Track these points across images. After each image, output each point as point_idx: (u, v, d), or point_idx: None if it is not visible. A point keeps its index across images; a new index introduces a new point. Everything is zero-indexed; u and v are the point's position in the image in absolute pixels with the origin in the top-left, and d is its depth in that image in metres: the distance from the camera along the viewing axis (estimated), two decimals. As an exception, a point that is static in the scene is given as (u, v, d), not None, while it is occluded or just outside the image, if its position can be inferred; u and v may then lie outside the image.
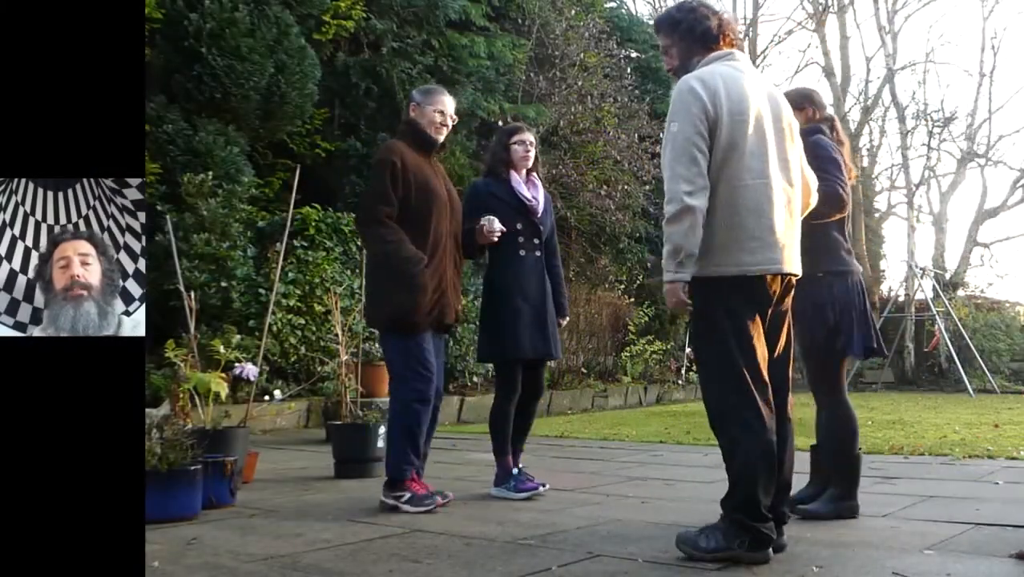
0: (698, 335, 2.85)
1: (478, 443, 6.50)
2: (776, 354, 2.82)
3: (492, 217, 3.88)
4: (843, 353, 3.41)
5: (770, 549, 2.63)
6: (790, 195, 2.78)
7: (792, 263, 2.77)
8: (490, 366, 9.64)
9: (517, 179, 4.09)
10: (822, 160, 3.33)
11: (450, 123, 3.83)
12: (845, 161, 3.53)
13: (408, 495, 3.55)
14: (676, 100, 2.71)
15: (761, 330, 2.74)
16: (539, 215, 4.09)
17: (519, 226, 4.02)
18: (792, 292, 2.86)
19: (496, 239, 3.88)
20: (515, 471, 4.00)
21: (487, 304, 4.09)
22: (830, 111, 3.91)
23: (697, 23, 2.84)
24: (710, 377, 2.80)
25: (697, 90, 2.67)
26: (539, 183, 4.19)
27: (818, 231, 3.30)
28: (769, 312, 2.78)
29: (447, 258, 3.72)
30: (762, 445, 2.61)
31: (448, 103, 3.82)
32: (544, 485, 3.98)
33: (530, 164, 4.13)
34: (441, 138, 3.82)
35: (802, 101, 3.54)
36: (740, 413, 2.65)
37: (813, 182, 2.97)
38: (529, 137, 4.15)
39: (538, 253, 4.08)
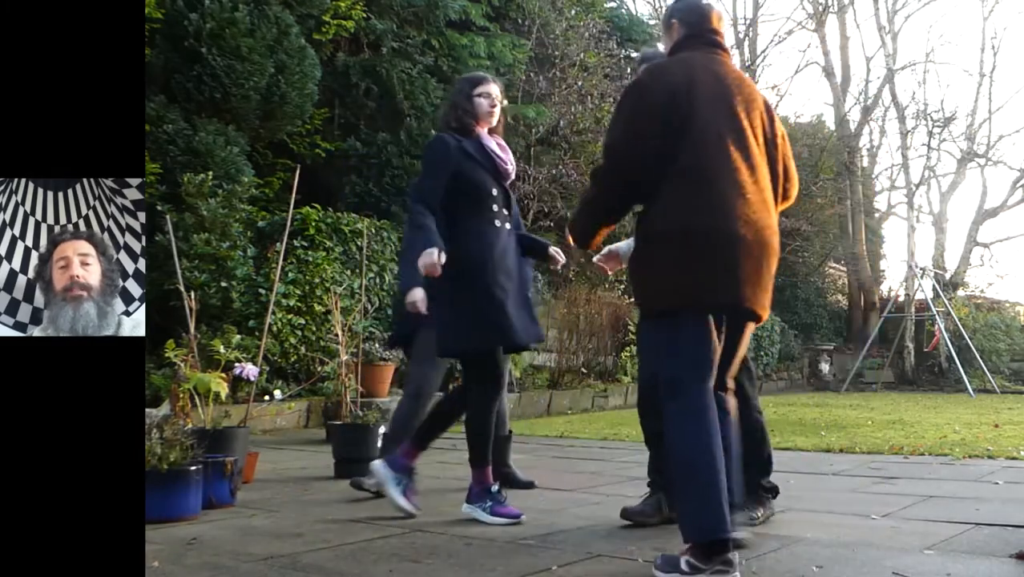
0: None
1: (478, 443, 6.50)
2: None
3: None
4: None
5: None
6: None
7: None
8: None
9: (487, 137, 3.60)
10: None
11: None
12: None
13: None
14: None
15: None
16: (510, 180, 3.62)
17: (494, 192, 3.51)
18: None
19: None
20: (494, 488, 3.43)
21: (458, 285, 3.36)
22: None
23: None
24: None
25: None
26: (506, 147, 3.68)
27: None
28: None
29: None
30: None
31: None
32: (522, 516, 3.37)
33: (495, 122, 3.63)
34: None
35: None
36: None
37: None
38: (495, 90, 3.62)
39: (509, 225, 3.54)
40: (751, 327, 2.77)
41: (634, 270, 2.73)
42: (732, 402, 2.77)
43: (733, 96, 2.67)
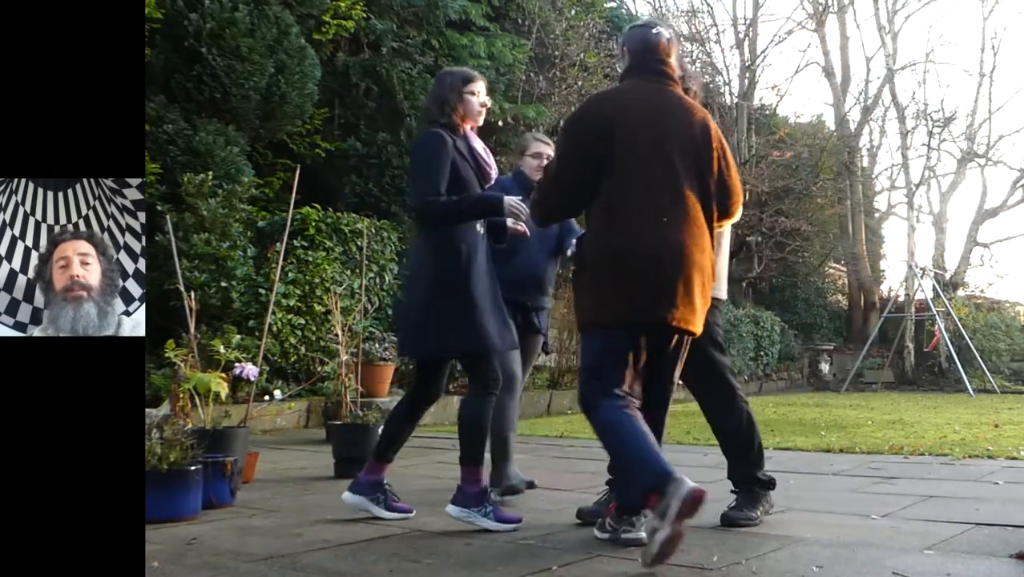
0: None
1: (478, 443, 6.50)
2: None
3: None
4: None
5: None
6: None
7: None
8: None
9: (474, 137, 3.50)
10: None
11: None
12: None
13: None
14: None
15: None
16: (490, 184, 3.53)
17: None
18: None
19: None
20: (488, 489, 3.35)
21: (440, 287, 3.28)
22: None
23: None
24: None
25: None
26: (487, 148, 3.60)
27: None
28: None
29: None
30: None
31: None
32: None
33: (481, 121, 3.55)
34: None
35: None
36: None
37: None
38: (484, 88, 3.54)
39: (483, 230, 3.44)
40: (686, 341, 2.96)
41: (573, 288, 3.02)
42: None
43: (664, 125, 2.88)
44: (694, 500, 2.43)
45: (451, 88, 3.48)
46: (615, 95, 3.07)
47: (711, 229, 2.91)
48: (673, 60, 3.02)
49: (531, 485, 4.17)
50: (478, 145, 3.52)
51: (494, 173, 3.55)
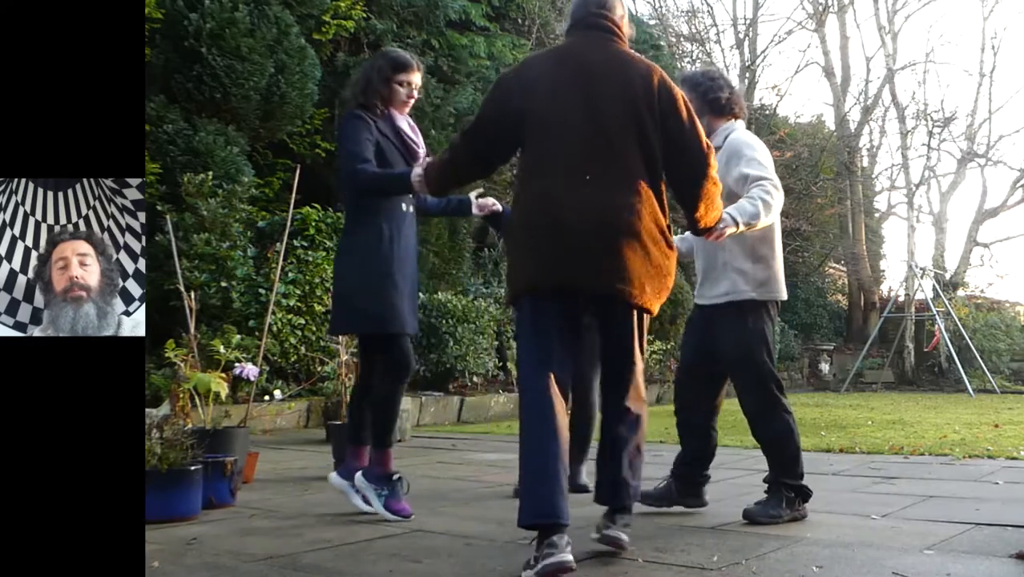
0: (760, 349, 3.38)
1: (478, 443, 6.50)
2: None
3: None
4: None
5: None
6: None
7: None
8: (490, 364, 9.63)
9: (400, 116, 3.49)
10: None
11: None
12: None
13: None
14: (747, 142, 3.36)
15: None
16: (419, 161, 3.47)
17: None
18: None
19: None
20: (395, 477, 3.37)
21: (360, 265, 3.35)
22: None
23: (713, 91, 3.40)
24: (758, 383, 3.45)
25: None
26: (415, 127, 3.58)
27: None
28: None
29: None
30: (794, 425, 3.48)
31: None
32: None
33: (407, 110, 3.54)
34: None
35: None
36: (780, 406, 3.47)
37: None
38: (418, 79, 3.50)
39: (412, 209, 3.45)
40: (634, 315, 2.72)
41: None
42: (632, 406, 2.81)
43: (594, 82, 2.67)
44: (554, 573, 2.36)
45: (378, 72, 3.44)
46: (542, 57, 2.89)
47: (657, 192, 2.69)
48: (617, 16, 2.80)
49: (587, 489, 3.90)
50: (403, 124, 3.49)
51: (422, 152, 3.50)
